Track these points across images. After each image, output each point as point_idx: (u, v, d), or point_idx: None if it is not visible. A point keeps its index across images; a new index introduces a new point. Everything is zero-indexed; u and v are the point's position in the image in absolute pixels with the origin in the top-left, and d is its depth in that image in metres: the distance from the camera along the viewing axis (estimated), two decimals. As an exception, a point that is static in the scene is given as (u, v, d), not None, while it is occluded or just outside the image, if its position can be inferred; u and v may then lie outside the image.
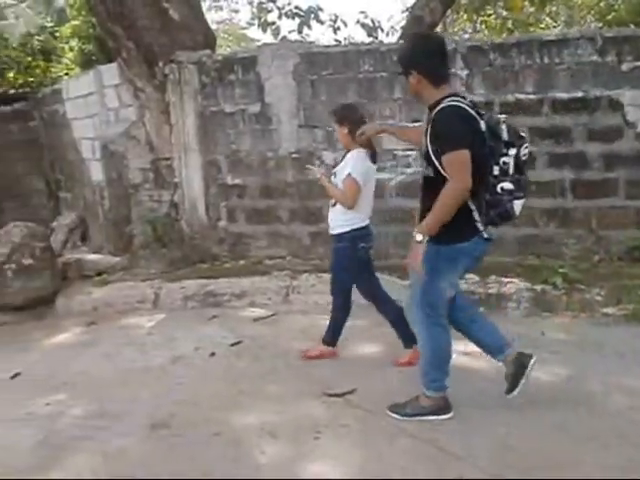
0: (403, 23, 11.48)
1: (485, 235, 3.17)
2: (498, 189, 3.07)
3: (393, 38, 11.05)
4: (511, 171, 3.07)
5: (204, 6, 10.36)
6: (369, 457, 3.12)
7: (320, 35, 15.53)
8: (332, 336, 4.35)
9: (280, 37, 9.59)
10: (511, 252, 6.03)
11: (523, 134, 3.17)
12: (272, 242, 6.64)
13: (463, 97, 3.16)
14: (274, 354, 4.55)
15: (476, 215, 3.09)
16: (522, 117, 6.02)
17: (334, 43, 8.88)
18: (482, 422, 3.40)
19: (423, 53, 3.16)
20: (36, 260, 5.74)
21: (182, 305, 5.72)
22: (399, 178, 6.24)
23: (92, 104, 7.36)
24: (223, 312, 5.43)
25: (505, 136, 3.06)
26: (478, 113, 3.09)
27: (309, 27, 9.55)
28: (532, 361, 3.40)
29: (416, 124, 4.69)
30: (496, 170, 3.06)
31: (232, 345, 4.71)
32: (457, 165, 2.96)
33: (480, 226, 3.13)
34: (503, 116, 3.33)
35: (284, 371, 4.22)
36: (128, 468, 3.17)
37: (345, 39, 9.88)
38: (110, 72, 7.12)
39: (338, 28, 9.96)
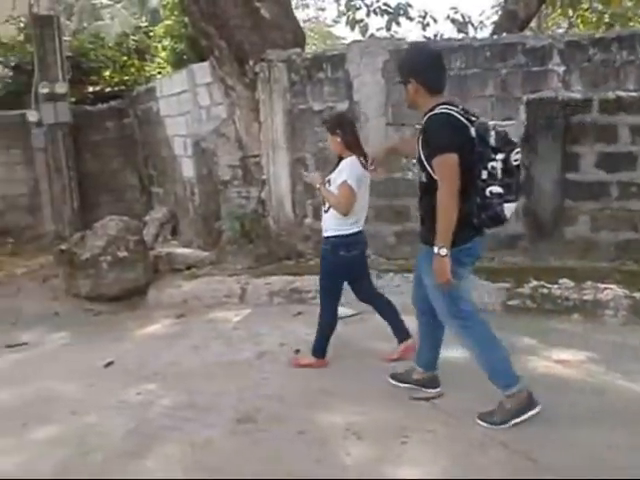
0: (495, 18, 11.21)
1: (481, 235, 3.35)
2: (487, 193, 3.17)
3: (483, 33, 10.79)
4: (499, 175, 3.16)
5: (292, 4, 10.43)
6: (458, 466, 3.04)
7: (408, 32, 15.28)
8: (323, 346, 4.33)
9: (368, 34, 9.53)
10: (608, 257, 5.76)
11: (513, 140, 3.26)
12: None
13: (455, 105, 3.29)
14: (358, 353, 4.52)
15: (471, 217, 3.21)
16: (623, 115, 5.73)
17: (423, 40, 8.75)
18: (576, 435, 3.25)
19: (421, 64, 3.34)
20: (130, 253, 5.95)
21: (268, 301, 5.78)
22: (489, 178, 6.07)
23: (185, 102, 7.56)
24: (308, 309, 5.44)
25: (492, 142, 3.16)
26: (469, 120, 3.21)
27: (398, 24, 9.45)
28: (531, 413, 3.35)
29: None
30: (484, 174, 3.16)
31: (316, 344, 4.71)
32: (445, 168, 3.12)
33: (475, 227, 3.27)
34: (492, 122, 3.42)
35: (369, 371, 4.18)
36: (214, 460, 3.23)
37: (435, 35, 9.70)
38: (202, 71, 7.28)
39: (427, 24, 9.81)
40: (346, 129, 4.11)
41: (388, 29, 9.43)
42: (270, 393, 3.94)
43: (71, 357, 4.93)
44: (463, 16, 9.64)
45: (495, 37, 7.22)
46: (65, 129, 8.94)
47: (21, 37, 13.02)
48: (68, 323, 5.74)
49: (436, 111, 3.20)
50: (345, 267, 4.21)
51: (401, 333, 4.37)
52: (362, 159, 4.08)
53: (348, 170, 4.02)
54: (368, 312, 5.35)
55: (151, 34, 14.66)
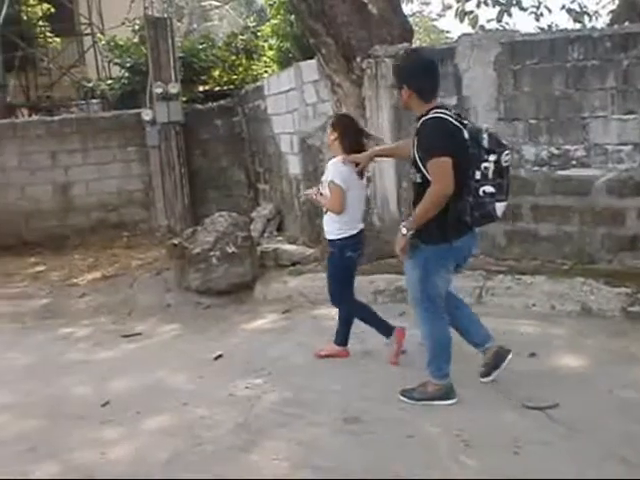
0: (611, 7, 10.60)
1: (472, 233, 3.56)
2: (480, 192, 3.33)
3: (598, 23, 10.24)
4: (491, 176, 3.32)
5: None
6: (576, 480, 2.88)
7: (520, 23, 14.80)
8: (346, 335, 4.55)
9: (478, 26, 9.27)
10: None
11: (504, 142, 3.44)
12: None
13: (448, 109, 3.51)
14: (467, 357, 4.36)
15: (463, 216, 3.37)
16: None
17: (537, 31, 8.39)
18: None
19: (413, 71, 3.59)
20: (238, 248, 6.08)
21: (372, 299, 5.72)
22: (609, 175, 5.73)
23: (292, 100, 7.63)
24: (412, 309, 5.34)
25: (485, 144, 3.33)
26: (462, 123, 3.40)
27: (509, 15, 9.13)
28: (509, 356, 3.84)
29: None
30: (478, 175, 3.32)
31: (422, 344, 4.60)
32: (439, 171, 3.28)
33: (468, 225, 3.45)
34: (485, 125, 3.59)
35: (477, 377, 4.04)
36: (321, 459, 3.22)
37: (549, 26, 9.30)
38: (310, 68, 7.31)
39: (541, 15, 9.42)
40: (346, 130, 4.25)
41: (499, 21, 9.13)
42: (376, 393, 3.90)
43: (182, 348, 5.09)
44: (580, 5, 9.18)
45: (616, 27, 6.81)
46: (177, 127, 9.27)
47: (136, 39, 13.64)
48: (179, 315, 5.94)
49: (430, 115, 3.39)
50: (352, 266, 4.43)
51: (387, 329, 4.44)
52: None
53: (332, 170, 4.19)
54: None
55: (259, 33, 14.94)
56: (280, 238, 7.90)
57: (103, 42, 14.26)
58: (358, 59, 6.76)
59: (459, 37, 6.62)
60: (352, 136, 4.23)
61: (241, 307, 5.97)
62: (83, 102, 14.30)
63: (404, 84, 3.52)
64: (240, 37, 14.89)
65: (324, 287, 5.86)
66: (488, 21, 9.45)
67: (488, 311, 5.23)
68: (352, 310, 4.51)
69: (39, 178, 9.48)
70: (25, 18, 16.07)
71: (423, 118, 3.42)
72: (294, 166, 7.77)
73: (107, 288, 6.67)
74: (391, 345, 4.40)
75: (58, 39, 16.89)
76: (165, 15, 10.21)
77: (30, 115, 14.12)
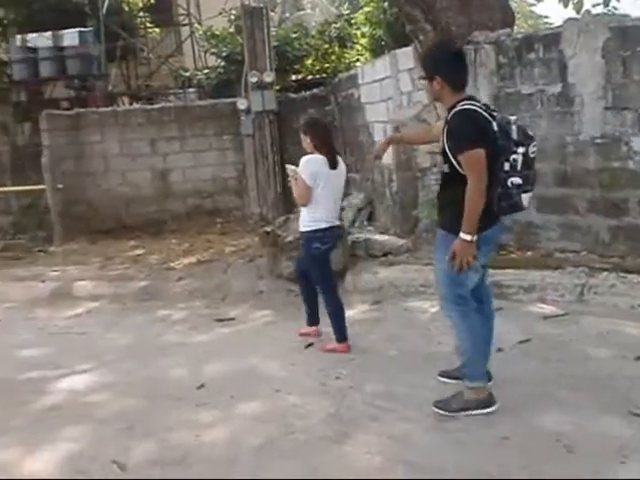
0: None
1: (499, 223, 3.54)
2: (508, 183, 3.31)
3: None
4: (519, 167, 3.31)
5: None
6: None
7: (628, 8, 13.85)
8: (340, 332, 4.65)
9: (583, 11, 8.80)
10: None
11: (531, 134, 3.40)
12: (565, 234, 6.16)
13: (477, 100, 3.48)
14: (567, 358, 4.20)
15: (491, 205, 3.32)
16: None
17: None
18: None
19: (446, 61, 3.49)
20: (330, 237, 6.06)
21: (465, 293, 5.59)
22: None
23: (386, 88, 7.54)
24: (509, 305, 5.17)
25: (514, 136, 3.31)
26: (490, 115, 3.37)
27: (618, -1, 8.61)
28: (485, 411, 3.51)
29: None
30: (506, 166, 3.30)
31: (520, 342, 4.46)
32: (474, 163, 3.25)
33: (495, 214, 3.42)
34: (514, 117, 3.48)
35: (580, 379, 3.86)
36: (413, 455, 3.17)
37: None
38: (405, 56, 7.19)
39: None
40: (316, 132, 4.57)
41: (606, 5, 8.63)
42: (470, 391, 3.79)
43: (274, 335, 5.15)
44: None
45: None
46: (271, 116, 9.36)
47: (232, 29, 13.87)
48: (271, 302, 6.01)
49: (461, 107, 3.36)
50: (321, 258, 4.63)
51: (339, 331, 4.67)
52: (329, 158, 4.49)
53: (302, 166, 4.47)
54: (576, 313, 5.00)
55: (352, 21, 14.87)
56: (371, 228, 7.84)
57: (200, 32, 14.59)
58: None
59: (565, 22, 6.31)
60: (321, 135, 4.58)
61: (332, 296, 5.95)
62: (180, 91, 14.70)
63: (437, 75, 3.44)
64: (333, 25, 14.86)
65: (416, 279, 5.83)
66: (594, 6, 8.91)
67: (590, 310, 5.02)
68: (333, 300, 4.73)
69: (139, 164, 9.83)
70: (126, 9, 16.70)
71: (454, 110, 3.38)
72: (386, 155, 7.60)
73: (202, 273, 6.84)
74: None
75: (157, 29, 17.45)
76: (262, 4, 10.26)
77: (130, 103, 14.64)
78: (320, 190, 4.46)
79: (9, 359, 5.02)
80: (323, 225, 4.53)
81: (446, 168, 3.46)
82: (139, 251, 8.21)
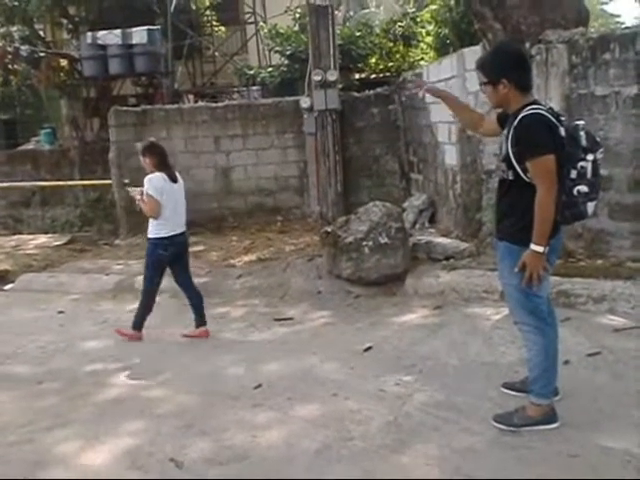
0: None
1: (561, 231, 3.38)
2: (574, 192, 3.17)
3: None
4: (588, 175, 3.16)
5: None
6: None
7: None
8: (139, 323, 5.32)
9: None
10: None
11: (598, 140, 3.25)
12: (638, 243, 5.89)
13: (543, 105, 3.35)
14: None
15: (555, 214, 3.18)
16: None
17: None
18: None
19: (512, 62, 3.36)
20: (391, 239, 5.98)
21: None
22: None
23: (452, 87, 7.35)
24: (577, 315, 4.97)
25: (584, 142, 3.18)
26: (558, 120, 3.23)
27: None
28: (548, 426, 3.37)
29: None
30: (573, 174, 3.16)
31: (589, 355, 4.27)
32: (545, 171, 3.13)
33: (558, 223, 3.26)
34: (582, 122, 3.31)
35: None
36: (475, 469, 3.06)
37: None
38: (473, 55, 6.99)
39: None
40: (154, 154, 5.17)
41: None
42: (535, 404, 3.65)
43: (332, 337, 5.10)
44: None
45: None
46: (334, 115, 9.30)
47: (296, 27, 13.90)
48: (329, 302, 5.96)
49: (529, 111, 3.22)
50: (163, 263, 5.24)
51: (200, 319, 5.32)
52: (168, 174, 5.13)
53: (147, 184, 5.09)
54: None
55: (417, 20, 14.69)
56: (432, 230, 7.70)
57: (265, 30, 14.69)
58: (527, 45, 6.38)
59: (644, 20, 6.02)
60: (158, 154, 5.18)
61: (391, 299, 5.86)
62: (244, 89, 14.84)
63: (503, 78, 3.29)
64: (398, 24, 14.72)
65: (480, 285, 5.67)
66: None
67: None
68: (148, 298, 5.34)
69: (203, 161, 9.95)
70: (194, 7, 16.96)
71: (521, 114, 3.23)
72: (451, 157, 7.52)
73: (261, 271, 6.84)
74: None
75: (223, 28, 17.66)
76: (326, 3, 10.22)
77: (195, 101, 14.88)
78: (164, 202, 5.07)
79: (73, 350, 5.15)
80: (167, 234, 5.14)
81: (510, 175, 3.30)
82: (200, 247, 8.29)
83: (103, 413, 3.94)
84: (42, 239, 9.92)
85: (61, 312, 6.12)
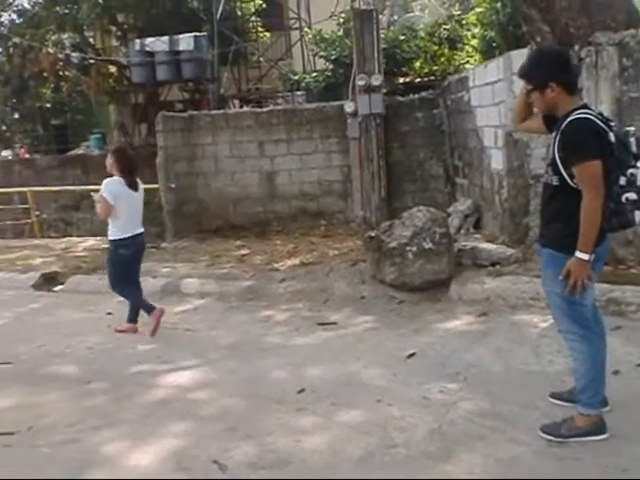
0: None
1: (607, 239, 3.30)
2: (623, 199, 3.11)
3: None
4: (638, 182, 3.10)
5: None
6: None
7: None
8: (134, 315, 5.67)
9: None
10: None
11: None
12: (692, 250, 5.71)
13: (592, 109, 3.28)
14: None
15: (602, 221, 3.13)
16: None
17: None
18: None
19: (558, 65, 3.29)
20: (435, 245, 5.92)
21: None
22: None
23: (499, 91, 7.27)
24: (628, 324, 4.83)
25: (634, 149, 3.13)
26: (607, 125, 3.16)
27: None
28: (596, 438, 3.29)
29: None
30: (622, 181, 3.09)
31: (639, 365, 4.16)
32: (592, 177, 3.07)
33: (605, 230, 3.19)
34: (632, 128, 3.37)
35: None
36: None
37: None
38: (520, 58, 6.87)
39: None
40: (122, 158, 5.50)
41: None
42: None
43: (375, 342, 5.08)
44: None
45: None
46: (378, 119, 9.29)
47: (340, 32, 13.93)
48: (373, 308, 5.93)
49: (577, 115, 3.16)
50: (126, 261, 5.54)
51: (148, 309, 5.58)
52: (129, 180, 5.43)
53: (103, 186, 5.38)
54: None
55: (463, 22, 14.57)
56: (478, 236, 7.60)
57: (310, 36, 14.76)
58: (576, 47, 6.26)
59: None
60: (125, 160, 5.50)
61: (435, 305, 5.81)
62: (289, 94, 14.93)
63: (551, 81, 3.21)
64: (443, 27, 14.62)
65: (527, 292, 5.57)
66: None
67: None
68: (124, 295, 5.73)
69: (247, 166, 10.04)
70: (239, 14, 17.16)
71: (569, 118, 3.16)
72: (497, 161, 7.41)
73: (305, 275, 6.85)
74: (151, 321, 5.54)
75: (268, 34, 17.82)
76: (371, 7, 10.22)
77: (241, 106, 15.06)
78: (121, 205, 5.38)
79: (120, 351, 5.24)
80: (127, 234, 5.45)
81: (555, 180, 3.23)
82: (244, 251, 8.37)
83: (149, 414, 4.00)
84: (91, 242, 10.14)
85: (109, 313, 6.24)
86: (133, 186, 5.51)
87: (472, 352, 4.64)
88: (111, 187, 5.39)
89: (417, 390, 4.04)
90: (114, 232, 5.51)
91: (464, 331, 5.13)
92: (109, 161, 5.54)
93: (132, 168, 5.55)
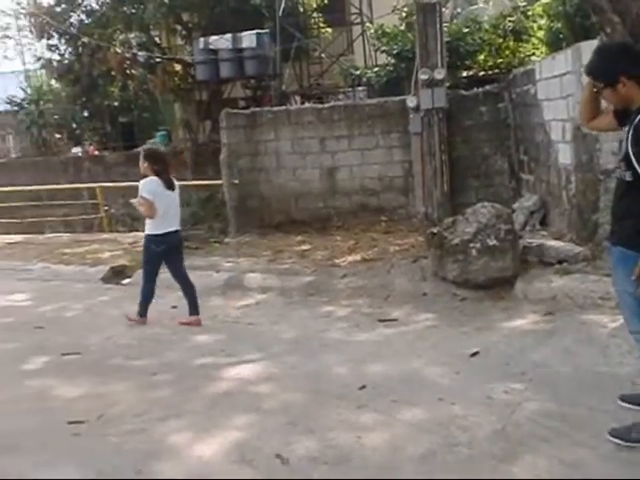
0: None
1: None
2: None
3: None
4: None
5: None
6: None
7: None
8: (194, 309, 5.88)
9: None
10: None
11: None
12: None
13: None
14: None
15: None
16: None
17: None
18: None
19: (629, 58, 3.21)
20: (500, 241, 5.81)
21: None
22: None
23: (567, 84, 7.06)
24: None
25: None
26: None
27: None
28: None
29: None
30: None
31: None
32: None
33: None
34: None
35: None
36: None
37: None
38: (590, 49, 6.64)
39: None
40: (156, 160, 5.77)
41: None
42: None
43: (437, 340, 5.03)
44: None
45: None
46: (441, 114, 9.16)
47: (402, 26, 13.79)
48: (435, 305, 5.88)
49: None
50: (157, 257, 5.81)
51: (193, 309, 5.85)
52: (164, 181, 5.69)
53: (141, 186, 5.69)
54: None
55: (528, 14, 14.20)
56: (544, 233, 7.41)
57: (371, 30, 14.67)
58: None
59: None
60: (158, 162, 5.76)
61: (499, 303, 5.70)
62: (350, 90, 14.90)
63: (621, 75, 3.12)
64: (508, 19, 14.28)
65: (595, 291, 5.41)
66: None
67: None
68: (144, 287, 5.93)
69: (309, 162, 10.07)
70: (301, 10, 17.22)
71: None
72: (564, 155, 7.20)
73: (365, 271, 6.85)
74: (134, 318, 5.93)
75: (329, 29, 17.82)
76: (434, 0, 10.08)
77: (302, 102, 15.10)
78: (157, 204, 5.62)
79: (185, 344, 5.36)
80: (160, 231, 5.70)
81: (628, 176, 3.13)
82: (306, 246, 8.42)
83: (213, 406, 4.07)
84: (157, 236, 10.38)
85: (174, 307, 6.39)
86: (169, 185, 5.76)
87: (538, 352, 4.53)
88: (149, 186, 5.66)
89: (480, 389, 3.97)
90: (148, 228, 5.80)
91: (529, 330, 5.02)
92: (142, 164, 5.79)
93: (165, 168, 5.80)
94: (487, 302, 5.76)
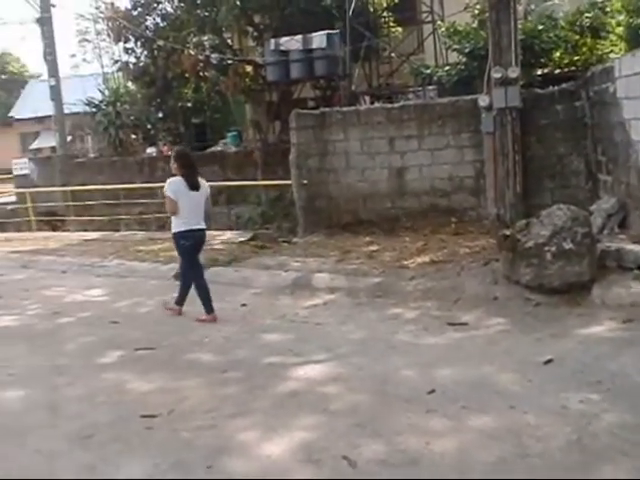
0: None
1: None
2: None
3: None
4: None
5: None
6: None
7: None
8: (181, 299, 6.33)
9: None
10: None
11: None
12: None
13: None
14: None
15: None
16: None
17: None
18: None
19: None
20: (576, 245, 5.63)
21: None
22: None
23: (649, 82, 6.77)
24: None
25: None
26: None
27: None
28: None
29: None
30: None
31: None
32: None
33: None
34: None
35: None
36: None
37: None
38: (676, 45, 6.38)
39: None
40: (184, 161, 6.15)
41: None
42: None
43: (508, 345, 4.91)
44: None
45: None
46: (514, 113, 8.92)
47: (475, 24, 13.54)
48: (506, 309, 5.74)
49: None
50: (187, 250, 6.20)
51: (208, 307, 6.09)
52: (188, 182, 6.04)
53: (166, 186, 6.10)
54: None
55: (607, 9, 13.69)
56: (623, 236, 7.11)
57: (443, 29, 14.47)
58: None
59: None
60: (186, 163, 6.12)
61: (575, 309, 5.51)
62: (420, 89, 14.74)
63: None
64: (585, 14, 13.80)
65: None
66: None
67: None
68: (188, 281, 6.27)
69: (377, 162, 10.01)
70: (371, 10, 17.15)
71: None
72: (645, 156, 6.90)
73: (435, 273, 6.75)
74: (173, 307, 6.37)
75: (400, 28, 17.68)
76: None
77: (372, 102, 15.03)
78: (181, 203, 6.00)
79: (254, 342, 5.43)
80: (184, 228, 6.05)
81: None
82: (374, 247, 8.38)
83: (281, 405, 4.10)
84: (227, 235, 10.60)
85: (244, 305, 6.48)
86: (194, 186, 6.08)
87: (616, 361, 4.36)
88: (172, 186, 6.05)
89: (554, 398, 3.85)
90: (175, 226, 6.15)
91: (607, 338, 4.84)
92: (172, 164, 6.17)
93: (192, 170, 6.14)
94: (562, 308, 5.58)
